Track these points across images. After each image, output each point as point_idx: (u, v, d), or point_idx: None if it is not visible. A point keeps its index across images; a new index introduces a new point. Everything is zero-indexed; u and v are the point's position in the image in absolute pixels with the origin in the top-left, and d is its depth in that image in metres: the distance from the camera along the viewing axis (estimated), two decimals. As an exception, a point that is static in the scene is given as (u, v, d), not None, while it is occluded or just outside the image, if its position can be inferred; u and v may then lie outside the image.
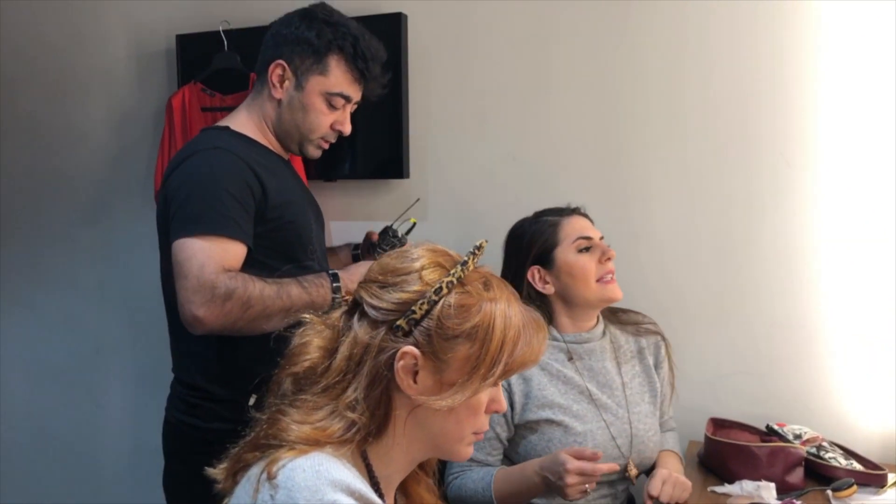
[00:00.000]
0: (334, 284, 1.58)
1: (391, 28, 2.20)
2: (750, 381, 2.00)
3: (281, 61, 1.68)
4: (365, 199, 2.29)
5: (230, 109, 1.99)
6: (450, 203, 2.26)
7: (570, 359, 1.70)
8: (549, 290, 1.71)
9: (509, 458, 1.70)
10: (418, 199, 2.11)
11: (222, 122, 1.75)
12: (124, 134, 2.67)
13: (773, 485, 1.57)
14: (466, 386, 0.95)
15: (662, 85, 2.04)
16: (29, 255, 2.86)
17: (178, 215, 1.55)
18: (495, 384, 0.99)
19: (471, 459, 1.58)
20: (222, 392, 1.63)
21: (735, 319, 2.02)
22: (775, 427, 1.81)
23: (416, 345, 0.95)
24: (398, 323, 0.96)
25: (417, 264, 0.99)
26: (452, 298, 0.96)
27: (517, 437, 1.67)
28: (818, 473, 1.69)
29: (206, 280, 1.47)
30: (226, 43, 2.36)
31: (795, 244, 1.96)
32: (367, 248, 2.00)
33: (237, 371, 1.58)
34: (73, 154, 2.75)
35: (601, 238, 1.74)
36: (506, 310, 0.97)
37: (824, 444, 1.75)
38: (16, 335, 2.91)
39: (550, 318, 1.73)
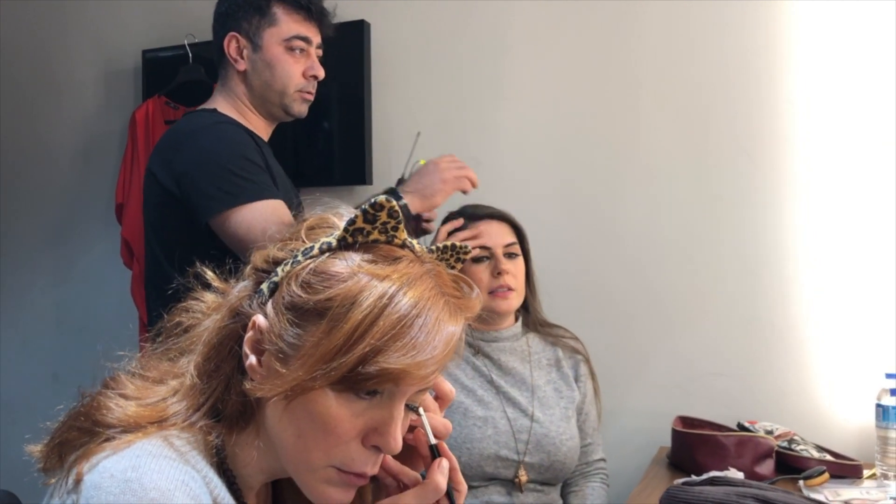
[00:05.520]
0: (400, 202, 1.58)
1: (353, 35, 2.21)
2: (722, 382, 1.93)
3: (232, 33, 1.67)
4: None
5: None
6: (413, 210, 2.22)
7: (476, 353, 1.67)
8: None
9: None
10: (420, 133, 1.91)
11: (205, 107, 1.71)
12: (90, 154, 2.65)
13: (741, 474, 1.49)
14: (290, 373, 0.69)
15: (627, 87, 2.04)
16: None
17: (207, 192, 1.50)
18: (349, 389, 0.70)
19: None
20: None
21: (705, 320, 1.96)
22: (746, 424, 1.74)
23: (266, 316, 0.74)
24: (262, 286, 0.76)
25: (312, 221, 0.79)
26: (319, 263, 0.73)
27: None
28: (791, 466, 1.61)
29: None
30: (191, 56, 2.37)
31: (764, 242, 1.92)
32: None
33: None
34: (38, 175, 2.72)
35: (509, 244, 1.70)
36: (395, 293, 0.70)
37: (796, 437, 1.68)
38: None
39: None
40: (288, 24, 1.67)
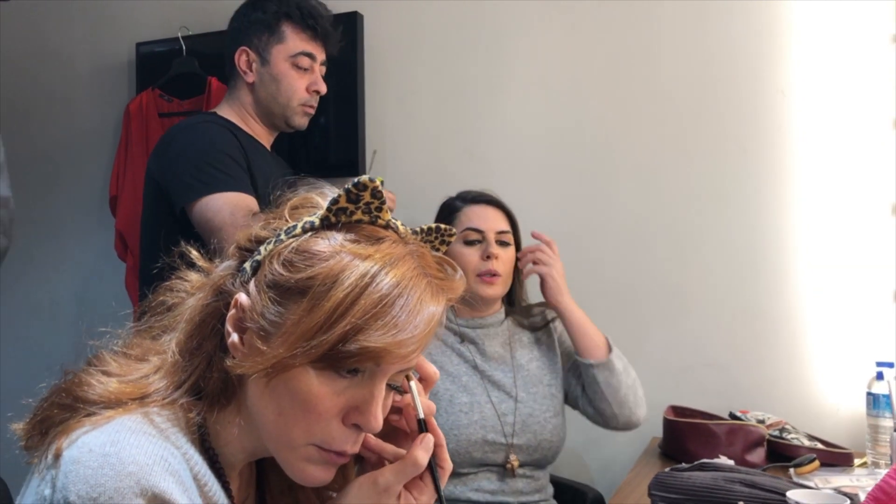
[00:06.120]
0: None
1: (347, 27, 2.19)
2: (714, 372, 1.93)
3: (243, 47, 1.78)
4: (321, 200, 2.26)
5: (187, 114, 2.04)
6: (406, 201, 2.22)
7: (462, 341, 1.68)
8: None
9: None
10: (375, 152, 2.11)
11: (208, 110, 1.84)
12: (84, 146, 2.65)
13: (731, 461, 1.49)
14: (271, 350, 0.69)
15: (619, 80, 2.04)
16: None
17: (184, 180, 1.62)
18: (330, 367, 0.70)
19: None
20: None
21: (698, 310, 1.96)
22: (738, 414, 1.74)
23: (249, 294, 0.73)
24: (244, 265, 0.76)
25: (296, 200, 0.79)
26: (302, 242, 0.73)
27: None
28: (782, 454, 1.61)
29: (241, 223, 1.51)
30: (184, 48, 2.37)
31: (757, 233, 1.92)
32: None
33: None
34: (32, 168, 2.71)
35: (502, 232, 1.70)
36: (377, 273, 0.70)
37: (787, 426, 1.68)
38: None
39: None
40: (295, 42, 1.79)
